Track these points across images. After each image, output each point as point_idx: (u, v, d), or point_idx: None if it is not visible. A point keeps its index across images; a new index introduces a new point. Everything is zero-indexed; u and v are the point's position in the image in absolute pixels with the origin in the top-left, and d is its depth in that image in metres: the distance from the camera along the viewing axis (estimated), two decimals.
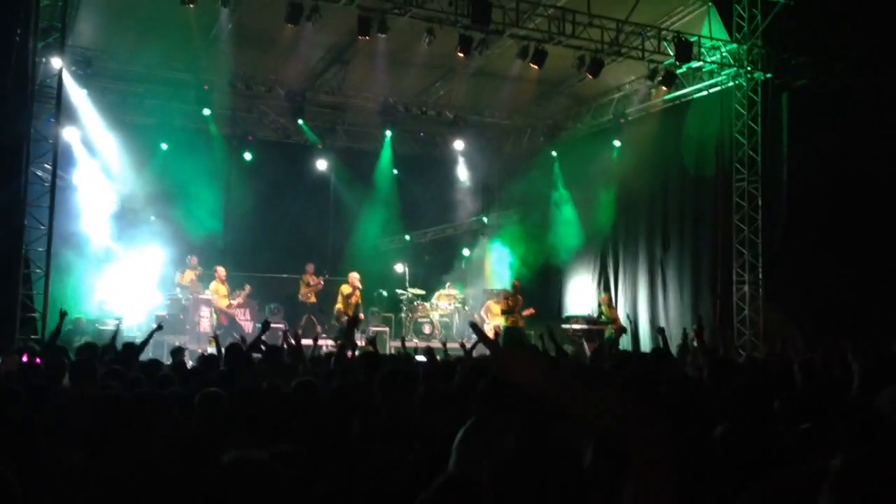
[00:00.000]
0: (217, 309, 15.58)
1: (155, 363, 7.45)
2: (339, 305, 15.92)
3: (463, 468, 2.93)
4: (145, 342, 8.18)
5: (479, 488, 2.23)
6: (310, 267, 16.89)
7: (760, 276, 14.44)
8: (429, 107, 18.05)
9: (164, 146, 17.42)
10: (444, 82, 17.19)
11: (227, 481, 2.18)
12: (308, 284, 16.65)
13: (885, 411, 3.51)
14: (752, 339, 14.25)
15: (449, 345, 15.98)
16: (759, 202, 14.52)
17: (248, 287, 16.06)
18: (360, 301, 16.09)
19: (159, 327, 9.24)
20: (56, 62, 11.78)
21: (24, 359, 7.08)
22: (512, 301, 16.01)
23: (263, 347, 7.53)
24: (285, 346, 7.79)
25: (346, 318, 14.92)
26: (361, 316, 15.76)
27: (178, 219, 16.62)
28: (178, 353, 8.93)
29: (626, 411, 1.78)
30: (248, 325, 15.79)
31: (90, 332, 13.10)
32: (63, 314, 8.29)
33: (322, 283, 16.82)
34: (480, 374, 4.30)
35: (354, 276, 16.14)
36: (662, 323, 15.83)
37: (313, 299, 16.69)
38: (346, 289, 15.99)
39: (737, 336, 14.43)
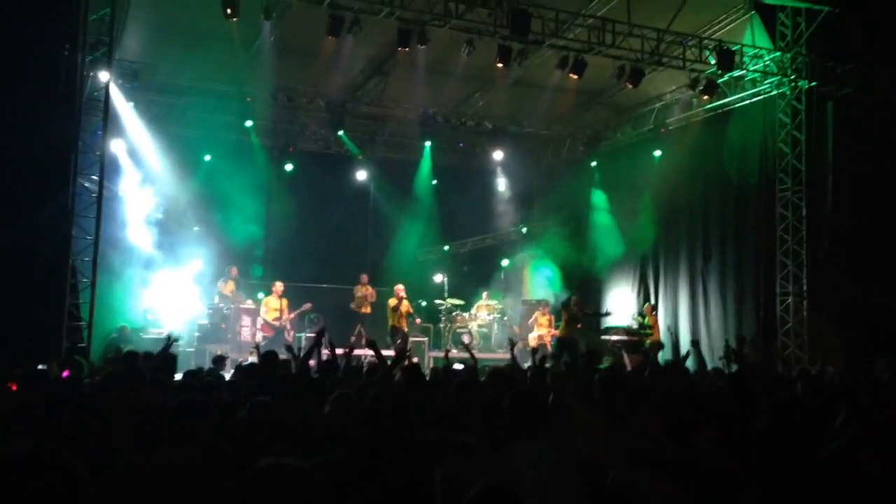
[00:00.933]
0: (263, 320, 15.69)
1: (199, 372, 7.52)
2: (390, 321, 15.99)
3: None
4: (163, 355, 7.80)
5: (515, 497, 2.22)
6: (364, 277, 16.98)
7: (805, 287, 14.20)
8: (468, 117, 18.09)
9: (207, 157, 17.69)
10: (484, 93, 17.21)
11: (261, 487, 2.21)
12: (362, 296, 16.75)
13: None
14: (796, 351, 14.00)
15: (487, 355, 16.02)
16: (804, 212, 14.29)
17: (308, 304, 16.06)
18: (410, 310, 16.19)
19: (172, 340, 8.53)
20: (104, 75, 12.02)
21: (65, 374, 7.18)
22: (566, 314, 16.02)
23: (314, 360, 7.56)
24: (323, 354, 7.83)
25: (400, 332, 15.07)
26: (405, 328, 15.81)
27: (220, 229, 16.86)
28: (219, 361, 9.03)
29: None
30: (291, 336, 15.90)
31: (135, 340, 13.31)
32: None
33: (374, 295, 16.88)
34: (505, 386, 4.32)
35: (398, 288, 16.20)
36: (703, 336, 15.66)
37: (367, 310, 16.77)
38: (391, 302, 16.08)
39: (781, 349, 14.19)
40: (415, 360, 10.78)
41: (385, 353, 10.53)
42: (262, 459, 2.30)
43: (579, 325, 15.81)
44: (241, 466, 2.41)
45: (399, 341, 14.54)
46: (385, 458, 3.86)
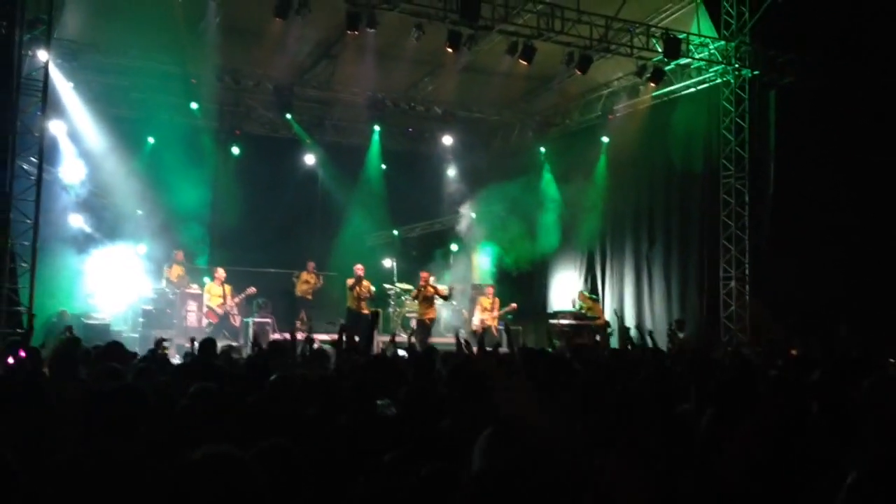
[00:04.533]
0: (207, 307, 15.45)
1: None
2: (347, 303, 15.39)
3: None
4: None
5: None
6: (310, 265, 16.79)
7: (747, 271, 14.53)
8: (417, 102, 18.02)
9: (150, 140, 17.33)
10: (433, 78, 17.16)
11: (195, 476, 2.16)
12: (306, 282, 16.54)
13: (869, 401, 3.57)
14: (738, 334, 14.32)
15: (436, 339, 16.05)
16: (746, 198, 14.60)
17: (252, 289, 15.81)
18: (370, 291, 15.42)
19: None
20: (42, 55, 11.67)
21: (11, 360, 6.98)
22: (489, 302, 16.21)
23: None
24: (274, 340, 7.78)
25: (360, 315, 14.55)
26: (364, 309, 14.95)
27: (164, 212, 16.54)
28: (158, 345, 8.57)
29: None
30: (237, 321, 15.71)
31: (76, 326, 13.01)
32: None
33: (322, 281, 16.67)
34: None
35: (357, 268, 15.53)
36: (647, 319, 15.96)
37: (310, 297, 16.63)
38: (349, 281, 15.45)
39: (723, 331, 14.51)
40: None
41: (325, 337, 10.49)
42: (198, 448, 2.25)
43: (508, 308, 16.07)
44: (177, 456, 2.35)
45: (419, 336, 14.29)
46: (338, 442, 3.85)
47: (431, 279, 15.54)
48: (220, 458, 2.19)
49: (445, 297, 15.36)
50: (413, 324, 17.15)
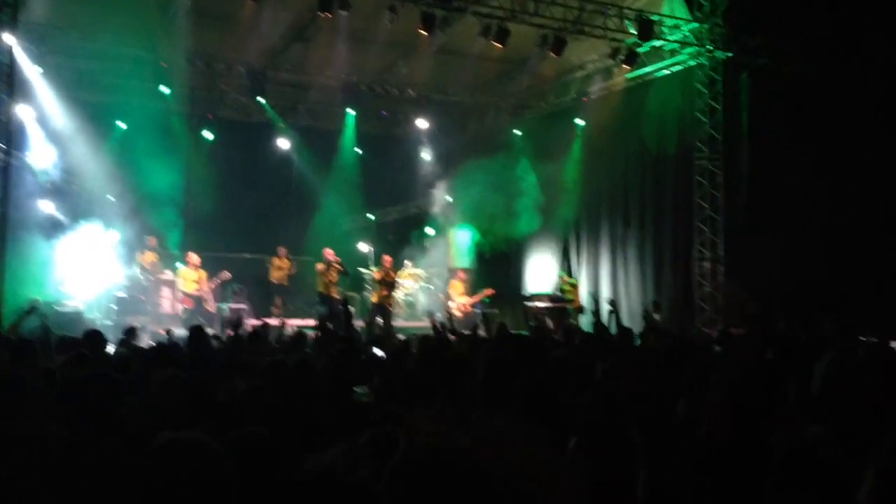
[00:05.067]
0: (182, 292, 15.33)
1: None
2: (318, 287, 15.37)
3: None
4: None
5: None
6: (281, 250, 16.70)
7: (721, 252, 14.64)
8: (391, 85, 17.93)
9: (121, 125, 17.10)
10: (407, 60, 17.06)
11: (159, 461, 2.14)
12: (279, 268, 16.46)
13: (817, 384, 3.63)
14: (712, 315, 14.45)
15: (413, 323, 16.08)
16: (720, 180, 14.70)
17: (226, 274, 15.71)
18: (335, 275, 15.27)
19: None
20: (8, 38, 11.48)
21: None
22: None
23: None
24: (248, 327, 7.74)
25: (332, 300, 14.53)
26: (335, 295, 14.95)
27: (136, 198, 16.37)
28: (130, 333, 8.40)
29: None
30: (212, 307, 15.60)
31: (48, 314, 12.84)
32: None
33: (295, 267, 16.60)
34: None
35: (327, 252, 15.47)
36: (623, 301, 16.05)
37: (286, 283, 16.54)
38: (319, 266, 15.41)
39: (697, 312, 14.63)
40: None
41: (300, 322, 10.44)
42: (160, 435, 2.23)
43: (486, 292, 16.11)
44: (144, 443, 2.33)
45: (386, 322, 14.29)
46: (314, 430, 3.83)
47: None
48: (184, 442, 2.18)
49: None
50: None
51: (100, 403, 3.38)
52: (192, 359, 6.09)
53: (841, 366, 3.67)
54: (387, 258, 15.76)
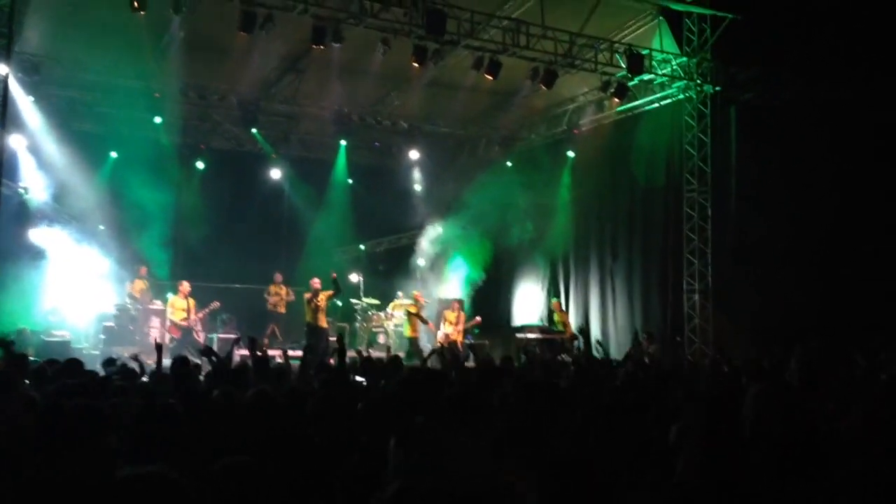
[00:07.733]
0: (170, 321, 15.23)
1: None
2: (307, 317, 15.03)
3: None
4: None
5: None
6: (278, 276, 16.67)
7: (710, 285, 14.69)
8: (383, 116, 18.04)
9: (113, 154, 17.14)
10: (399, 92, 17.19)
11: (119, 496, 2.12)
12: (276, 294, 16.42)
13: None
14: (702, 346, 14.46)
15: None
16: (709, 212, 14.79)
17: (216, 303, 15.55)
18: (321, 306, 14.90)
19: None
20: (2, 68, 11.51)
21: None
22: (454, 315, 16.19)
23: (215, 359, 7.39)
24: (238, 355, 7.70)
25: (318, 330, 14.46)
26: (323, 323, 14.82)
27: (127, 227, 16.35)
28: (109, 364, 8.35)
29: None
30: (201, 337, 15.51)
31: (35, 343, 12.78)
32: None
33: (292, 294, 16.54)
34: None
35: (313, 281, 15.21)
36: (612, 332, 16.07)
37: (282, 310, 16.48)
38: (306, 295, 15.21)
39: (687, 344, 14.64)
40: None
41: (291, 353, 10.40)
42: (121, 470, 2.22)
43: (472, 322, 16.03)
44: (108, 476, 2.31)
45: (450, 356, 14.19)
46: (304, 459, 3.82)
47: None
48: (146, 477, 2.16)
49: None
50: (381, 339, 17.14)
51: (85, 433, 3.36)
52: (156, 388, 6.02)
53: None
54: (417, 294, 16.14)
